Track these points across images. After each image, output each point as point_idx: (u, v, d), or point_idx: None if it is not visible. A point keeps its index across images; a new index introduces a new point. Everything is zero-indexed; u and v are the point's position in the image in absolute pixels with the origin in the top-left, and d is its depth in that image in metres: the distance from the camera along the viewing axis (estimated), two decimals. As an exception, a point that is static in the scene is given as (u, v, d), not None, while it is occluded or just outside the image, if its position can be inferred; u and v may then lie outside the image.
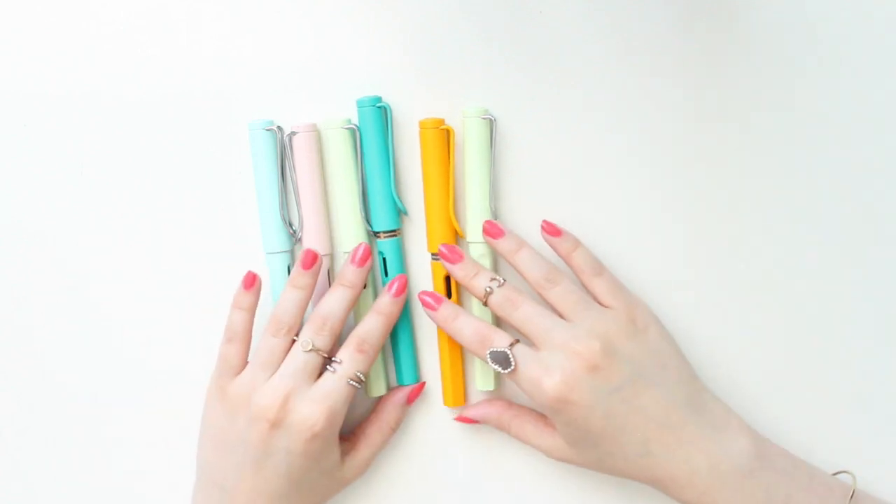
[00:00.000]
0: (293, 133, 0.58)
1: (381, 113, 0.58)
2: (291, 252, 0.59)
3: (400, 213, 0.59)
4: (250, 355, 0.57)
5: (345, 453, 0.58)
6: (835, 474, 0.57)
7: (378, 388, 0.60)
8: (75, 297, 0.61)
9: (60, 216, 0.60)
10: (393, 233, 0.59)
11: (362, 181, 0.59)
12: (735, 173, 0.60)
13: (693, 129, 0.59)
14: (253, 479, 0.54)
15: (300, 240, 0.59)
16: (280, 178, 0.58)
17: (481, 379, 0.60)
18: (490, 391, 0.60)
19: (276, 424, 0.54)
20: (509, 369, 0.54)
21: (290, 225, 0.59)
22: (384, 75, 0.59)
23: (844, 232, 0.60)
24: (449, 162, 0.58)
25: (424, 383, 0.60)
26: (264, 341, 0.56)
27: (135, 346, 0.61)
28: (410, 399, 0.60)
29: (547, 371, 0.53)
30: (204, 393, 0.59)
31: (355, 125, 0.58)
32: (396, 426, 0.60)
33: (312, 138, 0.58)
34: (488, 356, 0.55)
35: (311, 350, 0.55)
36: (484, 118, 0.58)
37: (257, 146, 0.58)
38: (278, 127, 0.58)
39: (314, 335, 0.55)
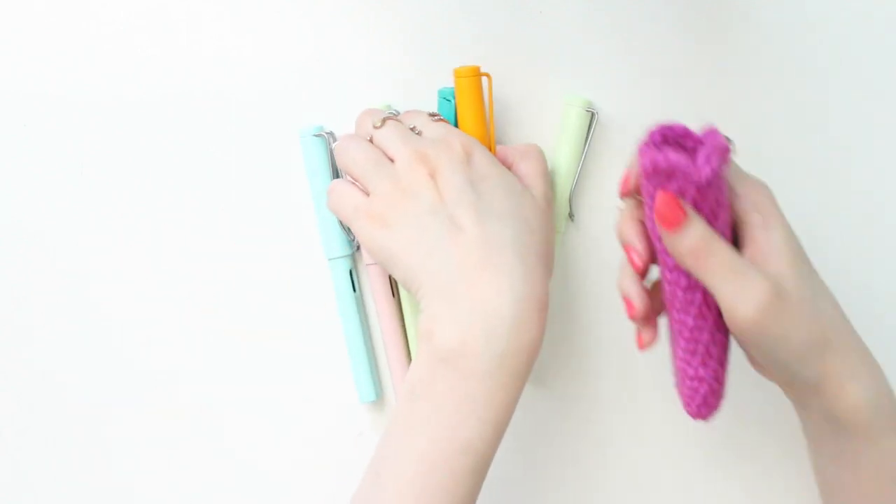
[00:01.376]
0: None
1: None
2: (352, 256, 0.59)
3: None
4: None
5: None
6: None
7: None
8: (75, 297, 0.61)
9: (60, 216, 0.60)
10: None
11: None
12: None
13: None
14: (470, 246, 0.47)
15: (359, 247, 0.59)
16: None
17: None
18: None
19: (433, 173, 0.49)
20: None
21: (348, 231, 0.58)
22: (383, 76, 0.59)
23: (846, 231, 0.60)
24: (484, 112, 0.55)
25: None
26: (354, 163, 0.52)
27: (135, 346, 0.61)
28: None
29: None
30: (205, 393, 0.59)
31: (396, 111, 0.58)
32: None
33: None
34: None
35: (383, 121, 0.52)
36: (588, 111, 0.58)
37: (309, 152, 0.58)
38: (328, 132, 0.58)
39: (371, 119, 0.53)
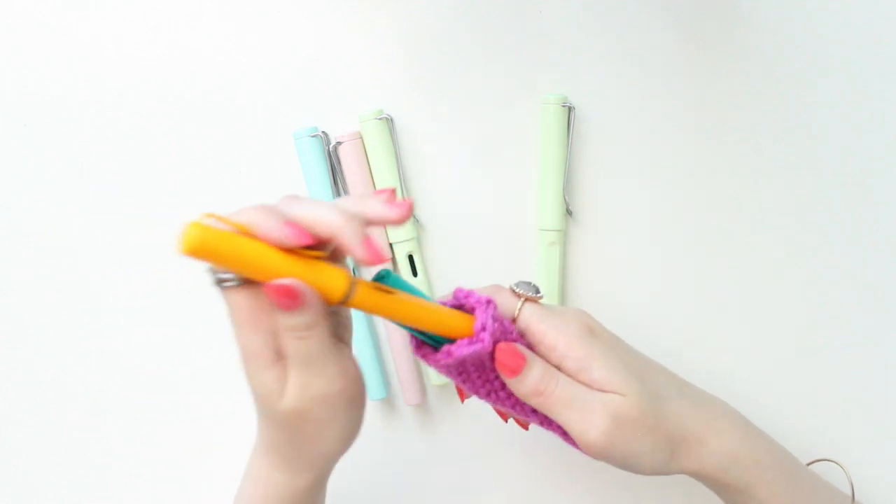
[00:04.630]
0: (339, 143, 0.58)
1: None
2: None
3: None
4: None
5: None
6: (811, 463, 0.54)
7: None
8: (75, 297, 0.61)
9: (60, 216, 0.60)
10: None
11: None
12: (737, 174, 0.60)
13: (694, 129, 0.59)
14: None
15: None
16: (332, 182, 0.58)
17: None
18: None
19: None
20: None
21: None
22: (378, 77, 0.59)
23: (847, 232, 0.60)
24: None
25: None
26: None
27: (135, 346, 0.61)
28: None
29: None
30: (205, 392, 0.59)
31: (388, 116, 0.58)
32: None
33: (358, 145, 0.58)
34: None
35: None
36: (564, 105, 0.58)
37: (304, 153, 0.58)
38: (323, 132, 0.58)
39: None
